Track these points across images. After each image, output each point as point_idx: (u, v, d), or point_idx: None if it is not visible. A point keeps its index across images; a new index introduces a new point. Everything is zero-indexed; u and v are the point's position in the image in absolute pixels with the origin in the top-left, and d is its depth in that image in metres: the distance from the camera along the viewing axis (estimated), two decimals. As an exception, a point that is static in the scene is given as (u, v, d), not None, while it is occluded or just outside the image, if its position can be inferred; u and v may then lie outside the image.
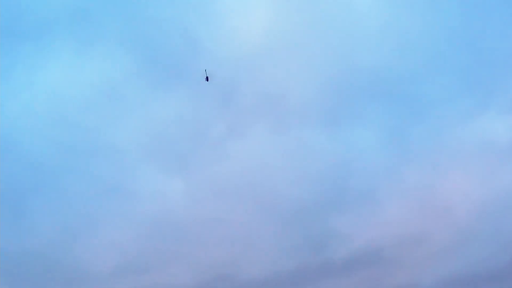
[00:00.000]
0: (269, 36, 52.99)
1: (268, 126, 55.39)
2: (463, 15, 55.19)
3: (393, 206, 54.42)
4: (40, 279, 50.49)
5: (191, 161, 54.39)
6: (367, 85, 55.30)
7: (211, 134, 54.84)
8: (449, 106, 55.51)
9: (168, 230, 52.88)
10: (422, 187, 54.87)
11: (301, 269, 53.01)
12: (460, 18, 55.12)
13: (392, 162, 54.97)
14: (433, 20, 54.99)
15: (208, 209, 52.90)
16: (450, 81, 55.43)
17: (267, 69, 53.85)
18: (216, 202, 53.22)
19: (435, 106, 55.87)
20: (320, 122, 55.39)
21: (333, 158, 54.65)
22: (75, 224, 52.36)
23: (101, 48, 53.95)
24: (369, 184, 54.57)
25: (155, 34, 53.33)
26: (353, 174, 55.01)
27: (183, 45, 52.94)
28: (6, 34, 53.04)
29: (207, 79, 49.79)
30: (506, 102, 56.11)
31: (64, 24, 54.00)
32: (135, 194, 53.53)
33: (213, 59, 52.12)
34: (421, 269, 53.86)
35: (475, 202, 54.41)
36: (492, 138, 55.38)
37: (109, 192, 53.43)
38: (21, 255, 49.98)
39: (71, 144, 53.47)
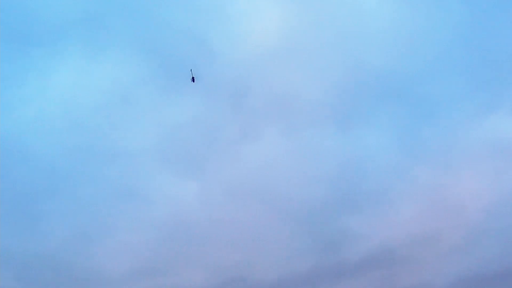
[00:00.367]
0: (280, 39, 53.22)
1: (280, 128, 55.71)
2: (471, 15, 55.30)
3: (405, 206, 54.63)
4: (54, 282, 50.82)
5: (205, 164, 54.72)
6: (378, 86, 55.54)
7: (224, 137, 55.12)
8: (459, 106, 55.68)
9: (182, 232, 53.22)
10: (433, 187, 55.09)
11: (314, 270, 53.28)
12: (469, 18, 55.24)
13: (403, 162, 55.18)
14: (442, 20, 55.15)
15: (222, 211, 53.20)
16: (459, 81, 55.57)
17: (278, 71, 54.11)
18: (230, 204, 53.53)
19: (445, 106, 56.11)
20: (332, 123, 55.69)
21: (345, 159, 54.94)
22: (89, 228, 52.72)
23: (113, 53, 54.20)
24: (381, 184, 54.79)
25: (167, 38, 53.56)
26: (365, 175, 55.31)
27: (195, 48, 53.20)
28: (19, 40, 53.45)
29: (193, 79, 50.11)
30: (516, 101, 56.27)
31: (76, 29, 54.19)
32: (149, 198, 53.89)
33: (225, 62, 52.58)
34: (433, 268, 53.99)
35: (486, 201, 54.51)
36: (502, 137, 55.42)
37: (123, 195, 53.81)
38: (35, 258, 50.47)
39: (85, 148, 53.79)
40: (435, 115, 56.11)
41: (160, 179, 54.17)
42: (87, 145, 53.88)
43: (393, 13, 54.40)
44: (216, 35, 53.25)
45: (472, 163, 55.06)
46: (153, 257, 52.67)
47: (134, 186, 54.00)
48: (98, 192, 53.43)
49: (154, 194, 53.91)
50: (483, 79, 55.88)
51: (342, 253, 53.83)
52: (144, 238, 52.71)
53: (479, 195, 54.51)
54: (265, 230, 53.41)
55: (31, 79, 54.14)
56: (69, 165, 53.76)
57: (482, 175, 54.87)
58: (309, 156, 54.77)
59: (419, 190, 54.83)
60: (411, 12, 54.87)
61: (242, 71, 53.57)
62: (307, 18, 53.90)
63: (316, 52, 54.20)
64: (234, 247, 53.13)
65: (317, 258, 53.65)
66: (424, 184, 54.96)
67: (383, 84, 55.31)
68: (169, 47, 53.63)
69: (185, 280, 52.47)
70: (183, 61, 52.55)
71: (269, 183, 54.28)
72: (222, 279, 52.54)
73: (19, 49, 53.48)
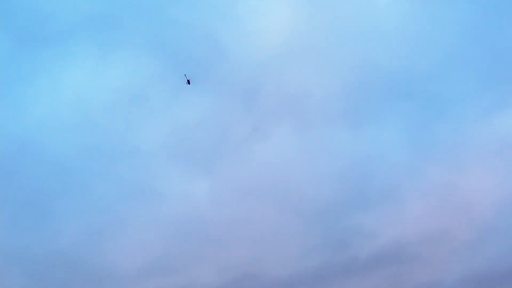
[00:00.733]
0: (292, 38, 53.38)
1: (291, 126, 55.96)
2: (481, 14, 55.33)
3: (415, 204, 54.82)
4: (67, 279, 51.27)
5: (216, 162, 55.05)
6: (388, 84, 55.71)
7: (235, 135, 55.48)
8: (469, 104, 55.78)
9: (193, 230, 53.53)
10: (443, 184, 55.24)
11: (324, 267, 53.46)
12: (479, 16, 55.26)
13: (413, 160, 55.40)
14: (453, 19, 55.20)
15: (233, 209, 53.51)
16: (470, 80, 55.63)
17: (290, 70, 54.35)
18: (241, 202, 53.80)
19: (455, 104, 56.20)
20: (343, 122, 55.90)
21: (356, 157, 55.15)
22: (101, 225, 53.09)
23: (124, 52, 54.46)
24: (391, 182, 55.03)
25: (179, 37, 53.82)
26: (375, 173, 55.49)
27: (206, 47, 53.44)
28: (30, 40, 53.83)
29: (188, 82, 50.38)
30: (526, 99, 56.24)
31: (87, 29, 54.52)
32: (160, 196, 54.16)
33: (236, 61, 52.81)
34: (443, 266, 54.10)
35: (496, 199, 54.57)
36: (512, 135, 55.53)
37: (134, 193, 54.26)
38: (48, 256, 50.90)
39: (97, 147, 54.18)
40: (446, 113, 56.28)
41: (171, 177, 54.53)
42: (99, 144, 54.29)
43: (403, 12, 54.57)
44: (228, 34, 53.49)
45: (482, 161, 55.14)
46: (165, 255, 52.99)
47: (146, 184, 54.41)
48: (110, 190, 53.84)
49: (165, 192, 54.19)
50: (494, 78, 55.99)
51: (352, 250, 54.08)
52: (155, 236, 53.08)
53: (489, 193, 54.56)
54: (276, 227, 53.72)
55: (42, 78, 54.51)
56: (81, 164, 54.26)
57: (492, 173, 54.91)
58: (320, 154, 55.06)
59: (429, 187, 55.09)
60: (422, 10, 55.02)
61: (254, 70, 53.90)
62: (318, 17, 54.07)
63: (327, 50, 54.44)
64: (245, 244, 53.47)
65: (328, 255, 53.87)
66: (434, 182, 55.17)
67: (394, 82, 55.51)
68: (180, 46, 53.91)
69: (196, 277, 52.87)
70: (194, 60, 52.87)
71: (280, 181, 54.58)
72: (233, 276, 52.87)
73: (31, 49, 53.93)
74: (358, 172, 55.10)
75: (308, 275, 53.34)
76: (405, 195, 54.88)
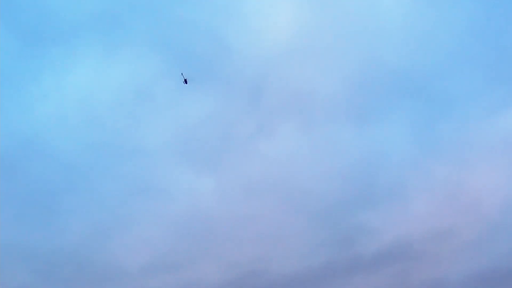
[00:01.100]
0: (297, 35, 53.37)
1: (296, 124, 56.06)
2: (487, 11, 55.21)
3: (420, 201, 54.90)
4: (73, 277, 51.61)
5: (222, 160, 55.17)
6: (394, 82, 55.64)
7: (240, 133, 55.51)
8: (475, 102, 55.68)
9: (199, 228, 53.73)
10: (448, 182, 55.27)
11: (330, 264, 53.61)
12: (485, 14, 55.17)
13: (419, 157, 55.43)
14: (458, 16, 55.05)
15: (238, 206, 53.68)
16: (475, 77, 55.52)
17: (295, 67, 54.34)
18: (246, 199, 53.95)
19: (460, 101, 56.06)
20: (348, 119, 55.89)
21: (361, 154, 55.20)
22: (107, 223, 53.36)
23: (129, 50, 54.54)
24: (397, 179, 55.13)
25: (183, 36, 53.84)
26: (381, 170, 55.57)
27: (211, 45, 53.51)
28: (35, 39, 53.93)
29: (185, 81, 50.52)
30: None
31: (92, 27, 54.53)
32: (166, 193, 54.44)
33: (241, 59, 52.88)
34: (448, 263, 54.11)
35: (501, 197, 54.59)
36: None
37: (140, 191, 54.42)
38: (54, 253, 51.30)
39: (103, 145, 54.38)
40: (451, 112, 56.17)
41: (177, 175, 54.72)
42: (105, 142, 54.49)
43: (408, 10, 54.44)
44: (233, 32, 53.47)
45: (488, 159, 55.12)
46: (171, 252, 53.30)
47: (151, 182, 54.67)
48: (116, 188, 54.11)
49: (171, 190, 54.49)
50: (499, 75, 55.84)
51: (357, 247, 54.23)
52: (162, 233, 53.38)
53: (495, 191, 54.60)
54: (282, 225, 53.86)
55: (48, 77, 54.62)
56: (87, 162, 54.48)
57: (498, 171, 54.91)
58: (325, 151, 55.11)
59: (435, 185, 55.07)
60: (426, 8, 54.86)
61: (259, 68, 53.92)
62: (323, 16, 54.01)
63: (332, 48, 54.43)
64: (251, 241, 53.67)
65: (333, 253, 54.04)
66: (439, 179, 55.22)
67: (399, 80, 55.46)
68: (185, 44, 53.94)
69: (202, 274, 53.11)
70: (199, 58, 53.00)
71: (285, 178, 54.70)
72: (238, 273, 53.09)
73: (37, 48, 53.95)
74: (363, 170, 55.22)
75: (314, 272, 53.51)
76: (410, 193, 55.03)
